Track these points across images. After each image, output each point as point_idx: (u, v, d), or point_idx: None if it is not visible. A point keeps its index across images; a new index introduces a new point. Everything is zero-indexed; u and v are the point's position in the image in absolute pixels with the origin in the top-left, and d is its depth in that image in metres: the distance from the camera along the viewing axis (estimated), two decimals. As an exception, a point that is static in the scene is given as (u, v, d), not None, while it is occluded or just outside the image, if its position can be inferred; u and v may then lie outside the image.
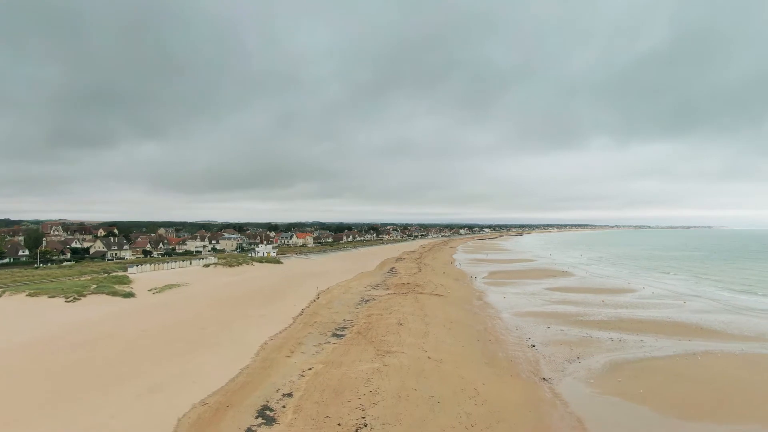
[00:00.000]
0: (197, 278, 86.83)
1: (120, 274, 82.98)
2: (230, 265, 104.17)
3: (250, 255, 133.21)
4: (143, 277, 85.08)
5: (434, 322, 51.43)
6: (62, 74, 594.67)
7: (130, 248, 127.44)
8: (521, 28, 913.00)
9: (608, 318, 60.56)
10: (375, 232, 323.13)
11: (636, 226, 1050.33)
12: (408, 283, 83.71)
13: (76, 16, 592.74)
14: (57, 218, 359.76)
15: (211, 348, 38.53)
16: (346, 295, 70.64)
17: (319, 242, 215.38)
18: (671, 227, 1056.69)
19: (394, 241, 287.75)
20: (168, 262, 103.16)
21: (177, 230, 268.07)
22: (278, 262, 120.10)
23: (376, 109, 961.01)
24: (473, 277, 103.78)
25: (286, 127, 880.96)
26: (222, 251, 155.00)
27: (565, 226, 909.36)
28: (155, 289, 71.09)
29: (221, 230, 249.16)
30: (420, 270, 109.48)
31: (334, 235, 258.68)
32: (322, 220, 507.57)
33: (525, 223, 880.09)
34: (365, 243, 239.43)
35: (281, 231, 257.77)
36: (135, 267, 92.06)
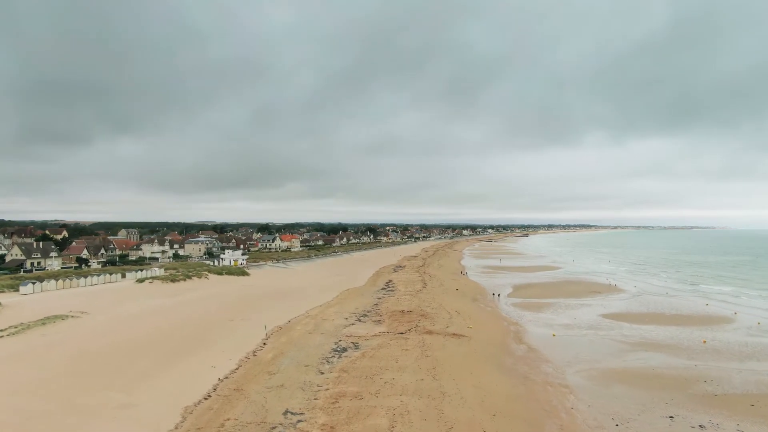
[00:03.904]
0: (111, 302, 61.33)
1: (-8, 297, 57.41)
2: (174, 280, 78.63)
3: (212, 263, 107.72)
4: (32, 300, 59.63)
5: (463, 419, 25.96)
6: (7, 64, 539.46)
7: (59, 256, 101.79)
8: (505, 12, 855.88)
9: (756, 387, 35.10)
10: (372, 233, 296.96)
11: (639, 227, 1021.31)
12: (410, 311, 58.22)
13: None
14: (53, 219, 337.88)
15: None
16: (313, 336, 45.13)
17: (308, 245, 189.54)
18: (674, 227, 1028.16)
19: (393, 243, 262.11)
20: (91, 276, 77.53)
21: (152, 231, 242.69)
22: (244, 273, 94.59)
23: (358, 103, 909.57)
24: (496, 296, 78.28)
25: (269, 123, 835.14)
26: (186, 258, 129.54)
27: (568, 226, 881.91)
28: (17, 326, 45.52)
29: (198, 231, 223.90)
30: (425, 285, 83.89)
31: (327, 237, 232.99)
32: (321, 221, 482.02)
33: (526, 223, 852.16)
34: (360, 246, 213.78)
35: (266, 232, 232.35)
36: (31, 284, 66.60)
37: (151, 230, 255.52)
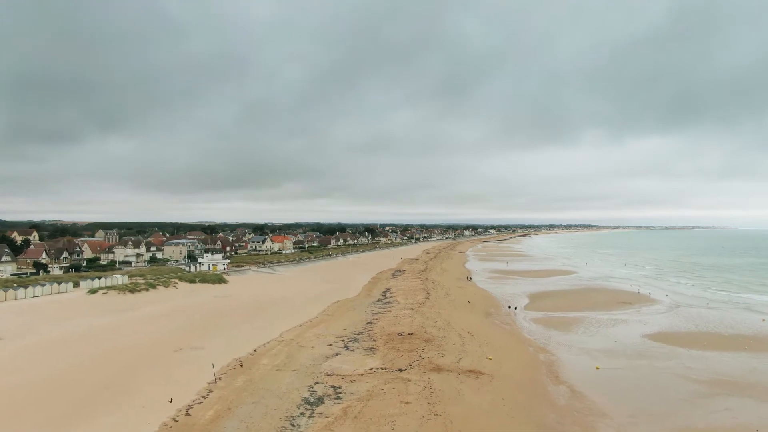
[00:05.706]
0: (42, 321, 49.76)
1: None
2: (133, 290, 67.04)
3: (188, 269, 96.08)
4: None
5: None
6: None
7: (14, 260, 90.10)
8: (499, 7, 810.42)
9: None
10: (371, 233, 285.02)
11: (640, 227, 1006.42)
12: (411, 333, 46.59)
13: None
14: (51, 219, 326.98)
15: None
16: (282, 375, 33.47)
17: (301, 247, 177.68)
18: (675, 227, 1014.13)
19: (393, 244, 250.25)
20: (34, 286, 65.71)
21: (139, 232, 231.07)
22: (221, 280, 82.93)
23: (351, 101, 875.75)
24: (512, 309, 66.59)
25: (263, 121, 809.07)
26: (164, 261, 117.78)
27: (570, 226, 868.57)
28: None
29: (187, 232, 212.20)
30: (428, 296, 72.14)
31: (323, 238, 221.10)
32: (321, 221, 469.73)
33: (527, 223, 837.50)
34: (358, 248, 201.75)
35: (260, 233, 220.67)
36: (-48, 298, 54.87)
37: (139, 231, 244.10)
